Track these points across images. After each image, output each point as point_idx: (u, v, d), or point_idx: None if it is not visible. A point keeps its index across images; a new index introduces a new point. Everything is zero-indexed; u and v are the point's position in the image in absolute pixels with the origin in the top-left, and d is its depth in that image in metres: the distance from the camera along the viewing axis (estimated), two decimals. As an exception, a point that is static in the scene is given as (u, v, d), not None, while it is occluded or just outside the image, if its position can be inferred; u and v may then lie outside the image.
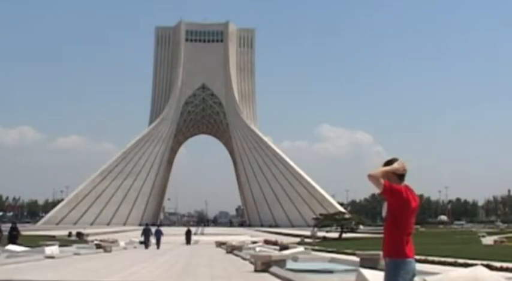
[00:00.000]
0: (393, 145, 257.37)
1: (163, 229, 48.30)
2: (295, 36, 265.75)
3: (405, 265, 5.42)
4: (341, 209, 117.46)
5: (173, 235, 58.27)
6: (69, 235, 60.56)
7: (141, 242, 47.35)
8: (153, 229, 44.89)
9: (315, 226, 67.25)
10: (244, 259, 25.27)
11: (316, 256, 26.22)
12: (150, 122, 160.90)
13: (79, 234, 59.86)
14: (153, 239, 43.28)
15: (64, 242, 41.86)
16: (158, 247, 41.48)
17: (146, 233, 43.27)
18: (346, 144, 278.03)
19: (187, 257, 28.73)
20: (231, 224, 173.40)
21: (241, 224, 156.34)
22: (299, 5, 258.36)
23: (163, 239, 44.29)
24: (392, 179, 5.61)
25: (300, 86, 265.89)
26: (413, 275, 5.51)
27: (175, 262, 24.52)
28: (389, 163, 5.67)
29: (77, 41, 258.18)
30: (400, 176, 5.66)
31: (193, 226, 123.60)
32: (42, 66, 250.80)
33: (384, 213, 5.61)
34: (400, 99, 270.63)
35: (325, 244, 43.82)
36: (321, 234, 61.95)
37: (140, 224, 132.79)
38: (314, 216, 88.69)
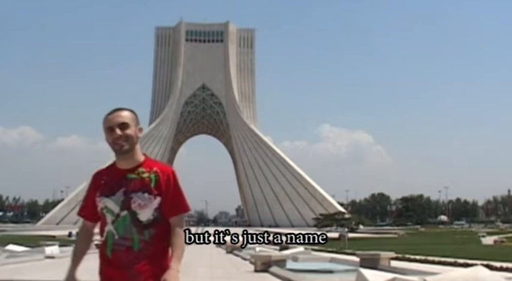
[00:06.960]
0: (393, 145, 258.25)
1: None
2: (295, 36, 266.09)
3: None
4: (341, 209, 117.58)
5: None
6: (69, 235, 60.53)
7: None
8: None
9: (342, 225, 59.02)
10: (244, 259, 25.25)
11: (316, 256, 26.19)
12: (150, 122, 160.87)
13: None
14: None
15: (64, 242, 41.83)
16: None
17: None
18: (346, 144, 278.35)
19: (186, 257, 28.69)
20: (235, 224, 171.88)
21: (247, 225, 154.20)
22: (299, 5, 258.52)
23: None
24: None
25: (300, 86, 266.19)
26: None
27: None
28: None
29: (77, 41, 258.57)
30: (110, 130, 3.39)
31: (193, 226, 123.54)
32: (42, 66, 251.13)
33: (146, 216, 3.35)
34: (400, 99, 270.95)
35: (325, 244, 43.82)
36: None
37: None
38: (314, 216, 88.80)
